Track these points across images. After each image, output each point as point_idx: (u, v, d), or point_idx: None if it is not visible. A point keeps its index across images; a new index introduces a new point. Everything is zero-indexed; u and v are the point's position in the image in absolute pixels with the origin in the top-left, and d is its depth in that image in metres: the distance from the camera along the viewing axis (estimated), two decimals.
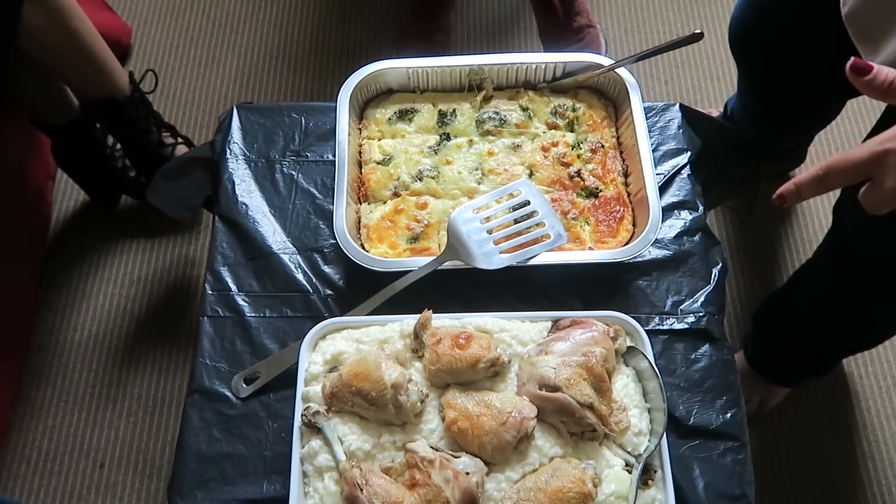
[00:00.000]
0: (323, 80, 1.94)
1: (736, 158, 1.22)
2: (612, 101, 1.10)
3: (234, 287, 1.01)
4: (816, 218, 1.74)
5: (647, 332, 0.90)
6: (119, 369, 1.59)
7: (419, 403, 0.83)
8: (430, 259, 0.94)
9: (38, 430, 1.54)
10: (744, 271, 1.69)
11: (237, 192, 1.07)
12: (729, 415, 0.93)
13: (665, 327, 0.98)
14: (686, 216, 1.05)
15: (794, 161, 1.74)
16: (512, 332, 0.88)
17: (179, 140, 1.55)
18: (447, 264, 0.94)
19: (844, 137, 1.82)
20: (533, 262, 0.94)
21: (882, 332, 1.30)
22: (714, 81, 1.91)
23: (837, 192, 1.17)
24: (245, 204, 1.06)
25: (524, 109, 1.09)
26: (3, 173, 1.56)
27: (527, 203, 0.98)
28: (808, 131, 1.58)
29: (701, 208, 1.06)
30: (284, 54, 1.97)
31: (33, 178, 1.63)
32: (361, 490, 0.77)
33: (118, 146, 1.63)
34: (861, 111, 1.82)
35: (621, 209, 1.01)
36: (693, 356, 0.97)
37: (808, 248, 1.71)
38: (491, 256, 0.94)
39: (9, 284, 1.57)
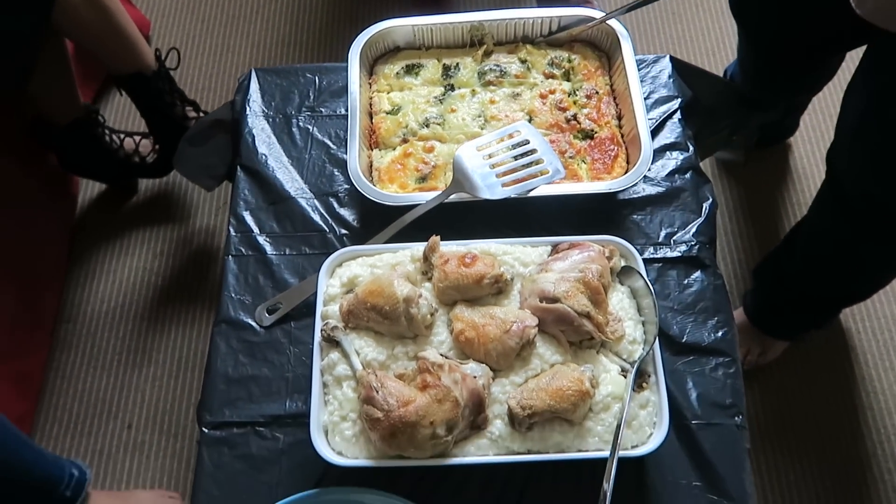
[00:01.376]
0: None
1: (726, 109, 1.29)
2: (605, 51, 1.16)
3: (255, 229, 1.08)
4: (813, 181, 1.79)
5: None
6: (144, 337, 1.67)
7: (429, 316, 0.89)
8: (437, 192, 1.01)
9: (69, 394, 1.61)
10: (742, 233, 1.75)
11: (257, 144, 1.15)
12: (720, 333, 0.99)
13: (659, 256, 1.04)
14: (677, 156, 1.12)
15: (787, 130, 1.80)
16: (514, 254, 0.94)
17: (202, 114, 1.63)
18: (453, 197, 1.00)
19: (836, 106, 1.87)
20: (533, 194, 1.01)
21: (876, 277, 1.34)
22: (710, 56, 1.98)
23: (830, 141, 1.22)
24: (265, 154, 1.14)
25: (523, 62, 1.15)
26: (33, 158, 1.65)
27: (526, 142, 1.04)
28: (805, 91, 1.62)
29: (691, 149, 1.12)
30: (295, 42, 2.06)
31: None
32: (377, 392, 0.83)
33: (116, 138, 1.68)
34: None
35: (615, 148, 1.08)
36: (686, 281, 1.03)
37: (803, 208, 1.76)
38: (494, 188, 1.00)
39: (40, 261, 1.65)
